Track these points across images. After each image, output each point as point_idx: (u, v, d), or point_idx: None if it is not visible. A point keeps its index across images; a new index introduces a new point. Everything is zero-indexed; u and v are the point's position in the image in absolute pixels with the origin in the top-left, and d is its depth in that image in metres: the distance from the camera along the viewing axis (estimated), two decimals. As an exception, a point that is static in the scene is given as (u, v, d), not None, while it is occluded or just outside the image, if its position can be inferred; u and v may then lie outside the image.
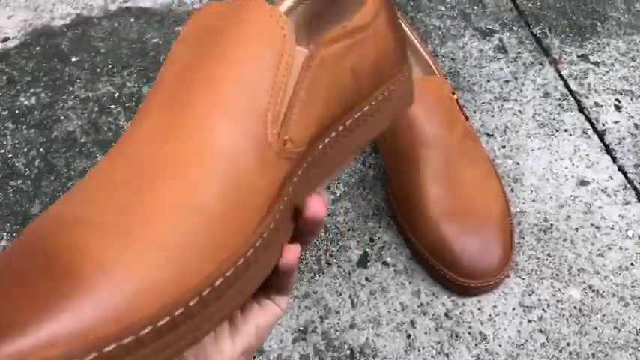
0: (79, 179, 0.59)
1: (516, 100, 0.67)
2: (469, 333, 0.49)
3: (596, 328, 0.50)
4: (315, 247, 0.55)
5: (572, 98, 0.67)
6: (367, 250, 0.54)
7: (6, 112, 0.65)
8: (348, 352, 0.48)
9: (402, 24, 0.60)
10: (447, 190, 0.51)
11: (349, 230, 0.56)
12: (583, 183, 0.59)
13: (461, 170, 0.52)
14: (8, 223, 0.57)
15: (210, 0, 0.78)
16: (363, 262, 0.54)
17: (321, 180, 0.33)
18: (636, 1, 0.78)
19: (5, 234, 0.56)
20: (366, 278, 0.53)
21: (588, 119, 0.65)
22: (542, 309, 0.51)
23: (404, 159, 0.53)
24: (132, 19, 0.75)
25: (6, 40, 0.73)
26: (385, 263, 0.54)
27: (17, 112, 0.65)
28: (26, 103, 0.66)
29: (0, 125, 0.64)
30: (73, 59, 0.70)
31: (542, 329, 0.50)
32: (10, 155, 0.62)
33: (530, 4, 0.78)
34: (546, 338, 0.49)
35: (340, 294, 0.52)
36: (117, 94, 0.67)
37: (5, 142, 0.62)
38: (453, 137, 0.53)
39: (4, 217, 0.57)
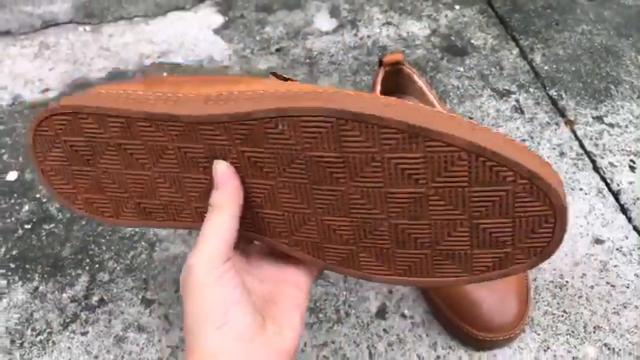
0: (109, 225, 0.61)
1: (532, 158, 0.68)
2: (485, 387, 0.50)
3: (612, 386, 0.50)
4: (334, 297, 0.56)
5: (587, 158, 0.69)
6: (385, 301, 0.56)
7: (43, 158, 0.68)
8: (365, 402, 0.49)
9: (421, 83, 0.63)
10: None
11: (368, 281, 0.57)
12: (598, 241, 0.61)
13: (478, 226, 0.54)
14: (40, 265, 0.59)
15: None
16: (381, 313, 0.55)
17: None
18: (649, 66, 0.81)
19: (37, 275, 0.58)
20: (384, 330, 0.54)
21: (603, 179, 0.67)
22: (558, 366, 0.51)
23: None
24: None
25: (46, 90, 0.77)
26: (403, 315, 0.55)
27: (53, 158, 0.68)
28: (62, 150, 0.69)
29: (36, 172, 0.67)
30: (108, 110, 0.74)
31: (558, 386, 0.50)
32: (44, 200, 0.64)
33: (546, 67, 0.81)
34: (562, 395, 0.49)
35: (358, 344, 0.53)
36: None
37: (40, 187, 0.66)
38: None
39: (36, 259, 0.59)
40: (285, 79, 0.37)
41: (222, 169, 0.33)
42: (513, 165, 0.28)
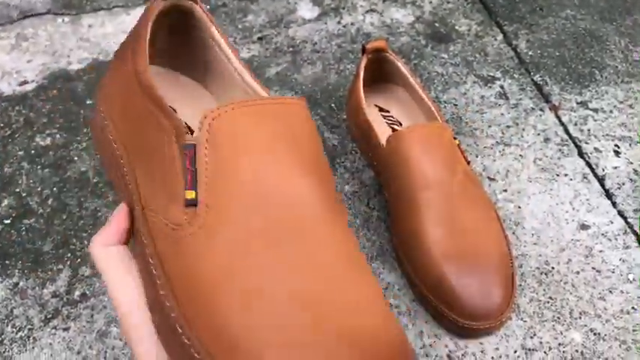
0: (90, 218, 0.60)
1: (517, 145, 0.68)
2: (471, 375, 0.50)
3: (598, 371, 0.50)
4: (320, 287, 0.55)
5: (572, 144, 0.69)
6: (371, 290, 0.55)
7: (22, 152, 0.67)
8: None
9: (405, 71, 0.63)
10: (449, 233, 0.52)
11: (353, 271, 0.57)
12: (584, 227, 0.60)
13: (463, 213, 0.53)
14: (20, 261, 0.58)
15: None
16: (367, 302, 0.54)
17: None
18: (633, 50, 0.81)
19: (17, 271, 0.57)
20: (370, 319, 0.53)
21: (588, 164, 0.66)
22: (544, 352, 0.51)
23: (406, 201, 0.54)
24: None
25: (24, 83, 0.76)
26: (389, 304, 0.54)
27: (33, 152, 0.67)
28: (42, 143, 0.68)
29: (16, 165, 0.66)
30: (88, 102, 0.73)
31: (544, 372, 0.50)
32: (24, 194, 0.63)
33: (530, 53, 0.80)
34: (548, 381, 0.49)
35: (344, 334, 0.52)
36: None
37: (20, 181, 0.64)
38: (454, 181, 0.54)
39: (17, 254, 0.58)
40: None
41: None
42: None
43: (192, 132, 0.37)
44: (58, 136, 0.69)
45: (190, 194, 0.29)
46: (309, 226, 0.29)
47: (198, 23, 0.39)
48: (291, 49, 0.81)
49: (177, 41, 0.41)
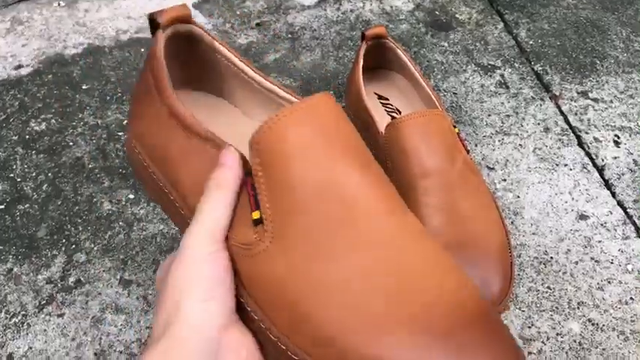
0: (86, 204, 0.60)
1: (517, 134, 0.68)
2: (469, 364, 0.50)
3: (595, 361, 0.50)
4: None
5: (572, 133, 0.68)
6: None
7: (16, 137, 0.66)
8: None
9: (405, 58, 0.62)
10: (447, 222, 0.52)
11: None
12: (583, 217, 0.60)
13: (461, 202, 0.53)
14: (14, 246, 0.57)
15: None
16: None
17: None
18: (634, 40, 0.80)
19: (11, 257, 0.57)
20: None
21: (588, 154, 0.66)
22: (542, 342, 0.51)
23: (405, 190, 0.54)
24: (142, 49, 0.77)
25: (19, 67, 0.75)
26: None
27: (27, 137, 0.66)
28: (36, 128, 0.67)
29: (10, 150, 0.65)
30: (84, 87, 0.72)
31: (542, 362, 0.50)
32: (18, 179, 0.63)
33: (531, 42, 0.80)
34: (546, 371, 0.49)
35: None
36: (125, 122, 0.68)
37: (14, 167, 0.64)
38: (453, 169, 0.54)
39: (11, 240, 0.58)
40: None
41: (230, 153, 0.33)
42: None
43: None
44: (53, 121, 0.68)
45: (256, 214, 0.31)
46: (363, 212, 0.31)
47: (202, 43, 0.41)
48: (289, 35, 0.80)
49: (189, 64, 0.43)
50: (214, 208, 0.32)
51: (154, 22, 0.39)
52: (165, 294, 0.31)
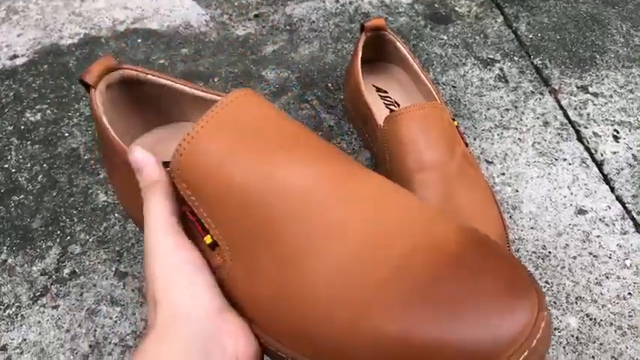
0: (81, 195, 0.59)
1: (516, 128, 0.67)
2: (466, 359, 0.49)
3: (593, 357, 0.50)
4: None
5: (571, 128, 0.68)
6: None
7: (11, 127, 0.66)
8: None
9: (404, 50, 0.61)
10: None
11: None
12: (581, 212, 0.60)
13: (459, 196, 0.53)
14: (8, 237, 0.57)
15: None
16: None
17: None
18: (635, 35, 0.80)
19: (5, 248, 0.56)
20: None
21: (587, 149, 0.66)
22: (540, 336, 0.51)
23: (403, 183, 0.53)
24: (139, 40, 0.77)
25: (14, 57, 0.74)
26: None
27: (22, 127, 0.66)
28: (32, 119, 0.67)
29: (5, 140, 0.64)
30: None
31: (539, 357, 0.50)
32: (13, 170, 0.62)
33: (531, 35, 0.79)
34: (543, 366, 0.49)
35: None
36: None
37: (9, 157, 0.63)
38: (452, 163, 0.53)
39: (5, 231, 0.57)
40: None
41: (137, 155, 0.34)
42: None
43: None
44: (48, 111, 0.67)
45: (208, 239, 0.31)
46: (315, 199, 0.30)
47: (138, 80, 0.42)
48: (288, 27, 0.79)
49: (145, 103, 0.43)
50: (157, 202, 0.33)
51: (83, 82, 0.39)
52: (151, 288, 0.31)
